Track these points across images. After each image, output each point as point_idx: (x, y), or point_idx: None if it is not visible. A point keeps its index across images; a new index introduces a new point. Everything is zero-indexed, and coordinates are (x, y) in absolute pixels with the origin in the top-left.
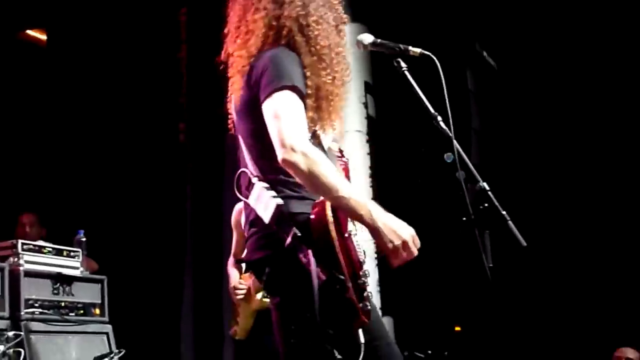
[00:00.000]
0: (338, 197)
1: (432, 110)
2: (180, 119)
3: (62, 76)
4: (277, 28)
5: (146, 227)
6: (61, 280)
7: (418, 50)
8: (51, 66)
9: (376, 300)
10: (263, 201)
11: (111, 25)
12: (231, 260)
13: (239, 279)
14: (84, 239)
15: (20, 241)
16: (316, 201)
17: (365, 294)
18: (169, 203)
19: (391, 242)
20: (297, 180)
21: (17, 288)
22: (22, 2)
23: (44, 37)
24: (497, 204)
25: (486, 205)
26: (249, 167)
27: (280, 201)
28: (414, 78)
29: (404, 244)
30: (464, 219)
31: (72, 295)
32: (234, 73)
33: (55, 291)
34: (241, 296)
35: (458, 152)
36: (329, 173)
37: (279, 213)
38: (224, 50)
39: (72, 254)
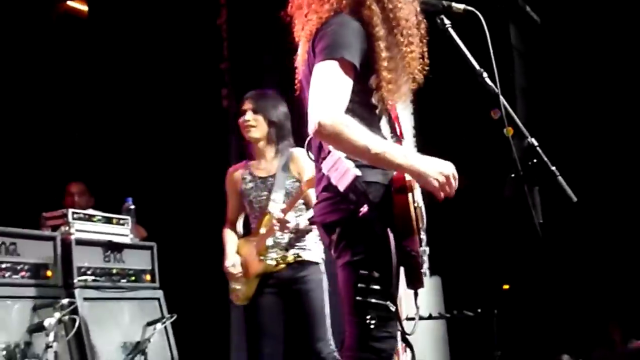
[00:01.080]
0: (373, 155)
1: (477, 67)
2: (223, 85)
3: (104, 46)
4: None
5: (193, 193)
6: (112, 248)
7: (462, 6)
8: (92, 37)
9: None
10: (339, 170)
11: None
12: (227, 229)
13: (234, 254)
14: (132, 207)
15: (70, 210)
16: (395, 174)
17: (423, 260)
18: (214, 168)
19: (436, 179)
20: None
21: (69, 256)
22: None
23: (84, 7)
24: (546, 159)
25: (535, 161)
26: None
27: (358, 172)
28: (457, 33)
29: (447, 178)
30: (513, 175)
31: (123, 262)
32: (301, 36)
33: (107, 259)
34: (239, 275)
35: (505, 108)
36: (357, 135)
37: (355, 184)
38: (294, 6)
39: (121, 221)
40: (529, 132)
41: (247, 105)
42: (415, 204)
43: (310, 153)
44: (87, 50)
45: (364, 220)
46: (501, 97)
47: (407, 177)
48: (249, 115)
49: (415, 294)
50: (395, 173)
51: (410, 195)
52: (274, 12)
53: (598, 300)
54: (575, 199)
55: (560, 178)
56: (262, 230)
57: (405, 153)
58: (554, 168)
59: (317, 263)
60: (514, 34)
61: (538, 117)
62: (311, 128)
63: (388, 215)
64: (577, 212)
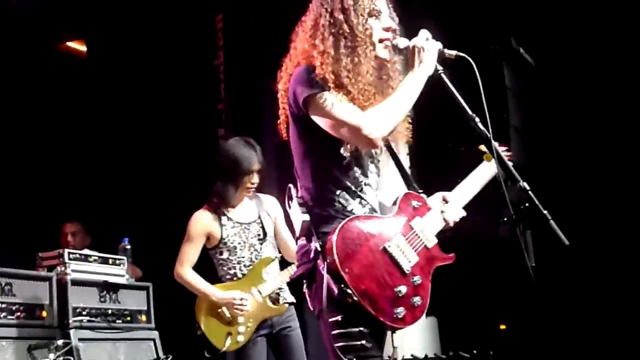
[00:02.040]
0: (409, 103)
1: (469, 112)
2: (219, 125)
3: (103, 86)
4: (296, 62)
5: None
6: (107, 288)
7: (454, 52)
8: (91, 77)
9: None
10: (296, 215)
11: (149, 35)
12: (189, 269)
13: (231, 291)
14: (128, 247)
15: (67, 250)
16: (333, 228)
17: (400, 304)
18: None
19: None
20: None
21: (64, 297)
22: (61, 14)
23: (83, 48)
24: (538, 203)
25: (527, 205)
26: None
27: (306, 217)
28: (452, 75)
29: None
30: (505, 219)
31: (119, 302)
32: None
33: (102, 299)
34: (246, 309)
35: (497, 152)
36: (393, 110)
37: (306, 228)
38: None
39: (117, 261)
40: (524, 171)
41: (258, 167)
42: (382, 248)
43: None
44: (86, 90)
45: (314, 262)
46: (493, 142)
47: (336, 232)
48: (257, 178)
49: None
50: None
51: (334, 245)
52: (270, 53)
53: (594, 343)
54: (567, 242)
55: (552, 222)
56: (266, 274)
57: (408, 82)
58: (545, 212)
59: (294, 303)
60: (508, 75)
61: (532, 157)
62: (366, 144)
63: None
64: (572, 254)
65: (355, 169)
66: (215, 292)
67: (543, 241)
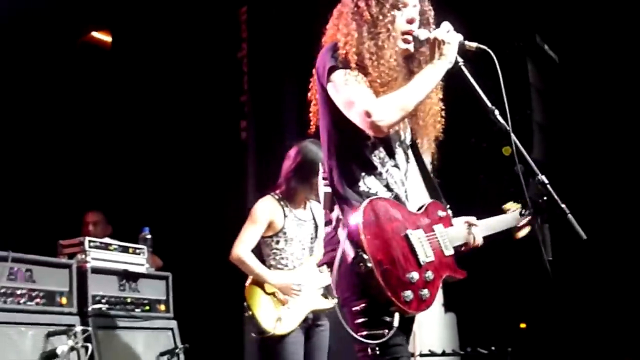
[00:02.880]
0: (422, 92)
1: (489, 105)
2: (242, 117)
3: (127, 77)
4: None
5: (209, 224)
6: (127, 277)
7: (474, 44)
8: (116, 67)
9: (439, 296)
10: (322, 189)
11: (173, 26)
12: (249, 252)
13: (291, 275)
14: (149, 236)
15: (87, 238)
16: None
17: (409, 288)
18: (231, 200)
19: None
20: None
21: (84, 284)
22: (85, 4)
23: (108, 39)
24: (556, 197)
25: (545, 199)
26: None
27: (327, 189)
28: (475, 67)
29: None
30: (523, 212)
31: (138, 291)
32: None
33: (122, 287)
34: (301, 295)
35: (516, 145)
36: (405, 96)
37: (329, 200)
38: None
39: (137, 251)
40: (547, 168)
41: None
42: (405, 233)
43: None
44: (110, 81)
45: (343, 257)
46: (512, 135)
47: (364, 205)
48: None
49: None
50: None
51: (360, 214)
52: (294, 46)
53: (613, 338)
54: (585, 236)
55: (570, 216)
56: (320, 269)
57: (427, 72)
58: (564, 206)
59: None
60: (532, 71)
61: (556, 154)
62: (370, 129)
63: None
64: (591, 249)
65: (381, 149)
66: (273, 276)
67: (562, 236)
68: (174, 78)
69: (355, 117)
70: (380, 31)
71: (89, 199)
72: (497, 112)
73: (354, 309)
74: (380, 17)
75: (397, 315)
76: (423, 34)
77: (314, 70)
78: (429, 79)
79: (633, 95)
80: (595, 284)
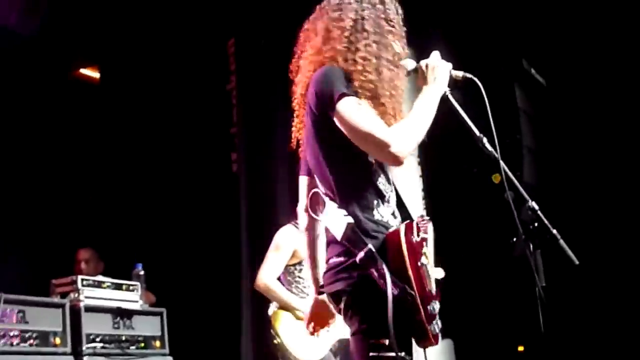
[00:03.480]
0: (428, 120)
1: (477, 133)
2: (232, 149)
3: (116, 112)
4: (325, 60)
5: (202, 258)
6: (121, 314)
7: (460, 73)
8: (105, 103)
9: None
10: (335, 219)
11: (161, 60)
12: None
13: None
14: (142, 272)
15: (80, 277)
16: (391, 229)
17: (434, 321)
18: (224, 233)
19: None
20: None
21: (78, 323)
22: (74, 40)
23: (97, 74)
24: (547, 223)
25: (536, 224)
26: (321, 187)
27: (350, 219)
28: (464, 93)
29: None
30: (514, 239)
31: (133, 328)
32: (295, 99)
33: (116, 325)
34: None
35: (505, 172)
36: (418, 129)
37: (350, 230)
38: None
39: (131, 287)
40: (536, 191)
41: None
42: (420, 263)
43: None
44: (99, 116)
45: (362, 267)
46: (501, 162)
47: (402, 236)
48: None
49: (425, 352)
50: (390, 230)
51: (404, 246)
52: (283, 76)
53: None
54: (577, 261)
55: (562, 241)
56: None
57: (426, 97)
58: (555, 231)
59: None
60: (520, 96)
61: (545, 177)
62: (390, 161)
63: (384, 260)
64: (583, 274)
65: (382, 174)
66: (302, 303)
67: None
68: (163, 112)
69: (370, 147)
70: (394, 60)
71: (81, 236)
72: (485, 140)
73: (372, 342)
74: (396, 49)
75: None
76: (411, 64)
77: (299, 88)
78: (431, 105)
79: (620, 117)
80: (590, 305)
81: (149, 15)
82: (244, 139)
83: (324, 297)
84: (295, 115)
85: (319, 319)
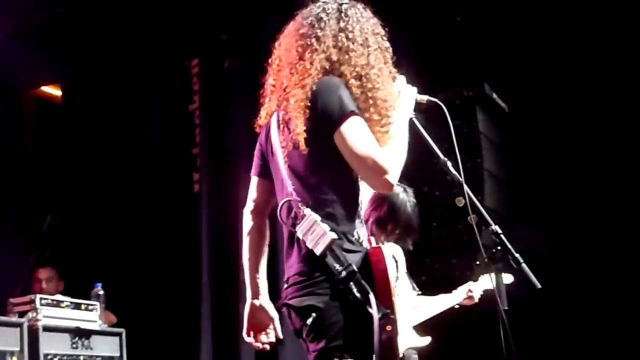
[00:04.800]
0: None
1: (441, 156)
2: (194, 170)
3: (77, 131)
4: (334, 72)
5: (162, 279)
6: (80, 334)
7: (425, 97)
8: (66, 122)
9: None
10: (316, 233)
11: (124, 79)
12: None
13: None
14: (101, 292)
15: (38, 296)
16: (373, 246)
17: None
18: (185, 253)
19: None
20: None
21: (36, 343)
22: (36, 59)
23: (58, 93)
24: (509, 246)
25: (499, 248)
26: (297, 197)
27: (334, 235)
28: (427, 117)
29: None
30: (477, 263)
31: (91, 349)
32: (290, 109)
33: (74, 345)
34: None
35: (469, 196)
36: (399, 160)
37: (333, 247)
38: (271, 79)
39: (90, 307)
40: (497, 214)
41: None
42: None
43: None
44: (60, 135)
45: (343, 283)
46: (465, 186)
47: (385, 253)
48: None
49: None
50: (371, 246)
51: (389, 268)
52: (246, 97)
53: None
54: (539, 285)
55: (524, 265)
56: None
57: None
58: (517, 255)
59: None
60: (482, 120)
61: (506, 201)
62: (383, 187)
63: (368, 281)
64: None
65: (361, 197)
66: None
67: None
68: (125, 131)
69: (368, 171)
70: (390, 77)
71: (40, 255)
72: (449, 163)
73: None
74: (385, 61)
75: None
76: None
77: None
78: (403, 131)
79: (584, 142)
80: (552, 331)
81: (112, 32)
82: (206, 160)
83: (263, 301)
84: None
85: (258, 325)
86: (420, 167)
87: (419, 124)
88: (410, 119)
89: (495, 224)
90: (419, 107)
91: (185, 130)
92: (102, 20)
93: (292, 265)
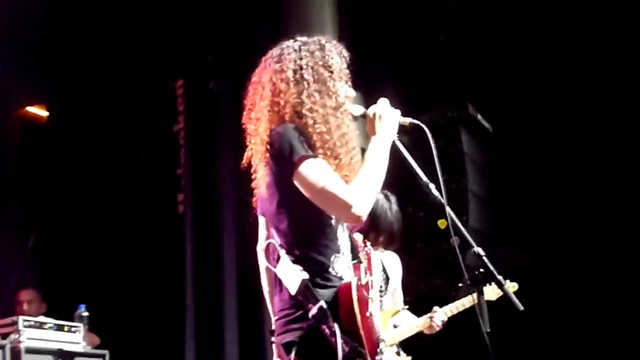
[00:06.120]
0: (382, 169)
1: (424, 178)
2: (178, 190)
3: (62, 151)
4: (279, 114)
5: (146, 300)
6: (63, 356)
7: (408, 119)
8: (51, 142)
9: None
10: (290, 273)
11: (109, 100)
12: None
13: None
14: (85, 314)
15: (21, 318)
16: (343, 282)
17: None
18: (169, 275)
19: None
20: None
21: None
22: (22, 80)
23: (44, 113)
24: (492, 268)
25: (482, 270)
26: (276, 238)
27: (305, 275)
28: (411, 138)
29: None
30: (460, 284)
31: None
32: (254, 155)
33: None
34: None
35: (452, 218)
36: (374, 183)
37: (305, 286)
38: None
39: (73, 329)
40: (481, 236)
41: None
42: (369, 313)
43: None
44: (45, 155)
45: (314, 322)
46: (447, 208)
47: (354, 287)
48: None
49: None
50: (343, 282)
51: (356, 302)
52: (231, 118)
53: None
54: (521, 307)
55: (506, 287)
56: (391, 326)
57: (377, 148)
58: (500, 277)
59: None
60: (466, 141)
61: (490, 222)
62: (352, 220)
63: (336, 317)
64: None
65: (339, 230)
66: None
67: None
68: (110, 152)
69: (333, 209)
70: (341, 107)
71: (22, 276)
72: (431, 185)
73: None
74: (341, 91)
75: None
76: (358, 110)
77: (260, 127)
78: (383, 155)
79: (568, 159)
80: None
81: (98, 53)
82: (191, 181)
83: None
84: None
85: None
86: (404, 188)
87: (402, 146)
88: (393, 141)
89: (480, 245)
90: (402, 129)
91: (169, 150)
92: (88, 41)
93: (276, 303)
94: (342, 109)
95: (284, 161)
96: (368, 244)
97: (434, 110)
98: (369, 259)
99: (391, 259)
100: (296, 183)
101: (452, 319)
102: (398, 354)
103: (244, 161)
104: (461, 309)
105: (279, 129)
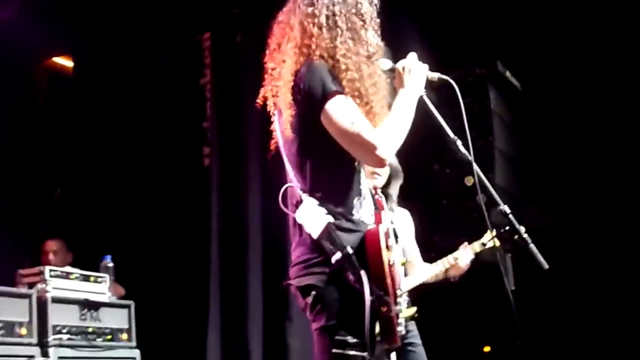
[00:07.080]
0: (409, 119)
1: (451, 135)
2: (205, 144)
3: (88, 103)
4: (308, 57)
5: (171, 252)
6: (88, 306)
7: (437, 75)
8: (77, 93)
9: None
10: (313, 217)
11: (135, 52)
12: None
13: None
14: (110, 265)
15: (47, 267)
16: (369, 227)
17: (398, 320)
18: (194, 227)
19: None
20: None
21: (44, 314)
22: (48, 30)
23: (70, 64)
24: (518, 226)
25: (507, 228)
26: (296, 182)
27: (330, 219)
28: (438, 95)
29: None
30: (485, 242)
31: (100, 320)
32: (278, 95)
33: (83, 317)
34: None
35: (478, 176)
36: (400, 131)
37: (329, 230)
38: (268, 60)
39: (99, 279)
40: (507, 193)
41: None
42: (391, 262)
43: (282, 204)
44: (70, 107)
45: (338, 268)
46: (474, 165)
47: (382, 234)
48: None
49: (389, 353)
50: (369, 227)
51: (384, 250)
52: (257, 72)
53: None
54: (546, 266)
55: (532, 246)
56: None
57: (404, 100)
58: (526, 235)
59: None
60: (494, 99)
61: (518, 180)
62: (375, 163)
63: (362, 263)
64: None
65: (362, 175)
66: None
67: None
68: (136, 105)
69: (357, 148)
70: (374, 58)
71: (49, 226)
72: (459, 142)
73: (337, 338)
74: (374, 40)
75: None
76: (387, 64)
77: (282, 70)
78: (410, 108)
79: (597, 122)
80: (560, 307)
81: (124, 5)
82: (217, 134)
83: None
84: (272, 108)
85: None
86: (431, 145)
87: (430, 102)
88: (421, 96)
89: (505, 203)
90: (430, 85)
91: (196, 104)
92: None
93: (295, 249)
94: (374, 58)
95: (312, 98)
96: (379, 191)
97: (463, 67)
98: (380, 206)
99: (401, 216)
100: (323, 120)
101: (476, 277)
102: (408, 304)
103: (258, 99)
104: (488, 246)
105: (309, 66)
